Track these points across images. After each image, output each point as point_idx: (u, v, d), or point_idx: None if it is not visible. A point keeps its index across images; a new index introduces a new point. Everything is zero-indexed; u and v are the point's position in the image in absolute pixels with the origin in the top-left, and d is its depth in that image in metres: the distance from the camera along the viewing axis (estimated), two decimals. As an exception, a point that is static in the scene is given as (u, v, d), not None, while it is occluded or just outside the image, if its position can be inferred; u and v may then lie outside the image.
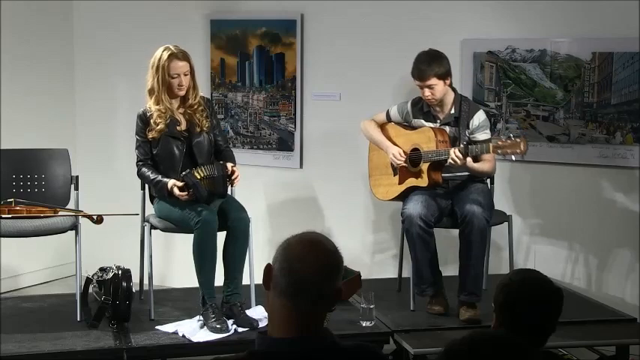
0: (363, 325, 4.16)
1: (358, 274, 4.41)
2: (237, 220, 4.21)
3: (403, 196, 4.53)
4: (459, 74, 4.95)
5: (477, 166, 4.31)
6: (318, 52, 5.49)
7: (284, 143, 5.62)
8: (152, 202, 4.45)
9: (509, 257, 4.66)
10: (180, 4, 5.75)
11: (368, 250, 5.47)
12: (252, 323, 4.10)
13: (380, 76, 5.32)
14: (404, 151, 4.48)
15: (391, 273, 5.09)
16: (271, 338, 2.01)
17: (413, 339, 4.01)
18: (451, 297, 4.35)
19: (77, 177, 4.65)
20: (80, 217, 4.32)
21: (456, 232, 4.41)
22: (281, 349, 1.99)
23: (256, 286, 4.29)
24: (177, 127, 4.29)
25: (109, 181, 5.95)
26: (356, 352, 2.07)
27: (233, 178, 4.27)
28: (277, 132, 5.62)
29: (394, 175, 4.59)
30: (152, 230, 4.35)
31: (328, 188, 5.55)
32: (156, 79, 4.25)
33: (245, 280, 4.30)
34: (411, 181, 4.47)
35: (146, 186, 4.47)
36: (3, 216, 4.20)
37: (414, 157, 4.45)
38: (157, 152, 4.29)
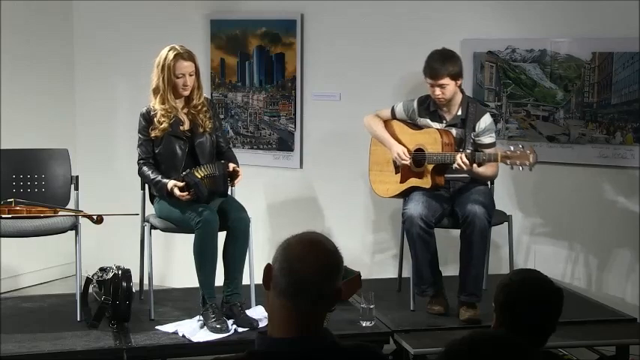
0: (363, 325, 4.16)
1: (358, 274, 4.41)
2: (237, 220, 4.21)
3: (403, 195, 4.53)
4: (459, 74, 4.95)
5: (480, 170, 4.31)
6: (318, 52, 5.49)
7: (284, 143, 5.62)
8: (152, 202, 4.45)
9: (509, 257, 4.66)
10: (180, 4, 5.75)
11: (368, 250, 5.47)
12: (252, 323, 4.10)
13: (380, 76, 5.32)
14: (408, 150, 4.48)
15: (391, 273, 5.09)
16: (271, 338, 2.01)
17: (413, 339, 4.01)
18: (451, 297, 4.35)
19: (77, 177, 4.65)
20: (80, 217, 4.32)
21: (455, 232, 4.42)
22: (281, 349, 1.99)
23: (256, 286, 4.29)
24: (181, 127, 4.29)
25: (109, 181, 5.95)
26: (356, 352, 2.07)
27: (235, 178, 4.27)
28: (277, 132, 5.62)
29: (395, 173, 4.58)
30: (152, 230, 4.35)
31: (328, 188, 5.55)
32: (161, 79, 4.25)
33: (245, 280, 4.30)
34: (413, 181, 4.46)
35: (146, 186, 4.47)
36: (3, 216, 4.20)
37: (418, 157, 4.44)
38: (159, 151, 4.29)
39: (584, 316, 4.33)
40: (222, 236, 4.23)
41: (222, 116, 5.62)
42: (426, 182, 4.40)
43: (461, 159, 4.20)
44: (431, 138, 4.40)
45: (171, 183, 4.18)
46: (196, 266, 4.15)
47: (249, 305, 4.32)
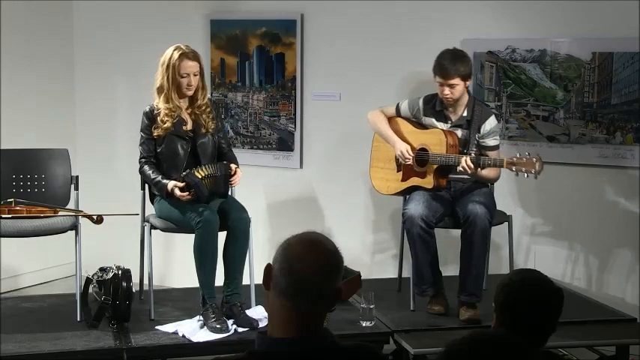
0: (363, 325, 4.16)
1: (358, 274, 4.41)
2: (237, 220, 4.21)
3: (403, 193, 4.53)
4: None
5: (484, 173, 4.30)
6: (318, 52, 5.49)
7: (284, 143, 5.62)
8: (152, 202, 4.45)
9: (509, 257, 4.66)
10: (180, 4, 5.75)
11: (368, 250, 5.47)
12: (252, 323, 4.10)
13: (380, 76, 5.32)
14: (412, 148, 4.46)
15: (391, 273, 5.09)
16: (271, 338, 2.01)
17: (413, 339, 4.01)
18: (451, 297, 4.35)
19: (77, 177, 4.65)
20: (80, 217, 4.32)
21: (456, 232, 4.42)
22: (281, 349, 1.99)
23: (256, 286, 4.29)
24: (183, 127, 4.29)
25: (109, 181, 5.95)
26: (356, 352, 2.07)
27: (233, 180, 4.26)
28: (277, 132, 5.62)
29: (397, 171, 4.57)
30: (152, 230, 4.35)
31: (328, 188, 5.55)
32: (165, 78, 4.24)
33: (245, 280, 4.30)
34: (415, 180, 4.46)
35: (146, 186, 4.47)
36: (3, 216, 4.20)
37: (422, 156, 4.43)
38: (161, 150, 4.29)
39: (584, 316, 4.33)
40: (222, 236, 4.23)
41: (222, 116, 5.62)
42: (428, 182, 4.40)
43: (466, 162, 4.20)
44: (436, 138, 4.39)
45: (171, 183, 4.17)
46: (196, 266, 4.15)
47: (249, 305, 4.32)
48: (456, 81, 4.29)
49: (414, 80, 5.15)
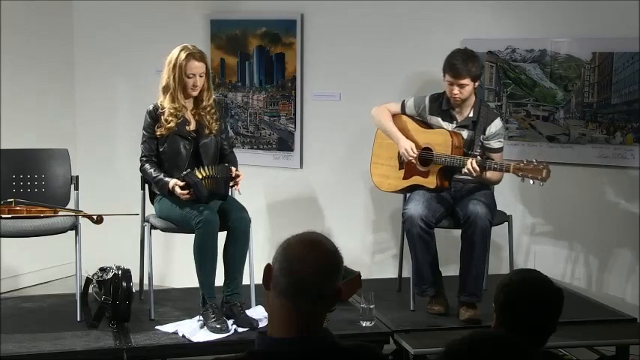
0: (363, 325, 4.16)
1: (358, 274, 4.41)
2: (237, 220, 4.21)
3: (404, 191, 4.52)
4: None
5: (488, 175, 4.30)
6: (318, 52, 5.49)
7: (284, 143, 5.62)
8: (152, 202, 4.45)
9: (509, 257, 4.66)
10: (180, 4, 5.75)
11: (368, 250, 5.47)
12: (252, 323, 4.10)
13: (380, 76, 5.32)
14: (417, 146, 4.45)
15: (391, 273, 5.09)
16: (271, 338, 2.01)
17: (413, 339, 4.01)
18: (451, 297, 4.35)
19: (77, 177, 4.65)
20: (80, 217, 4.32)
21: (456, 232, 4.42)
22: (281, 349, 1.99)
23: (256, 286, 4.29)
24: (187, 127, 4.29)
25: (109, 181, 5.95)
26: (356, 352, 2.07)
27: (233, 184, 4.26)
28: (277, 132, 5.62)
29: (399, 169, 4.56)
30: (152, 230, 4.34)
31: (328, 188, 5.55)
32: (172, 77, 4.24)
33: (245, 280, 4.30)
34: (417, 179, 4.45)
35: (146, 186, 4.47)
36: (3, 216, 4.20)
37: (425, 156, 4.42)
38: (164, 150, 4.29)
39: (584, 316, 4.33)
40: (222, 236, 4.23)
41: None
42: (430, 182, 4.39)
43: (471, 164, 4.19)
44: (441, 139, 4.38)
45: (172, 181, 4.17)
46: (196, 266, 4.15)
47: (249, 305, 4.32)
48: (466, 81, 4.28)
49: (414, 80, 5.15)
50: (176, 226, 4.28)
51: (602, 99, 4.84)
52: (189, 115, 4.31)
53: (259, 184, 5.59)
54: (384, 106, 4.61)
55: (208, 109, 4.32)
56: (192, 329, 4.06)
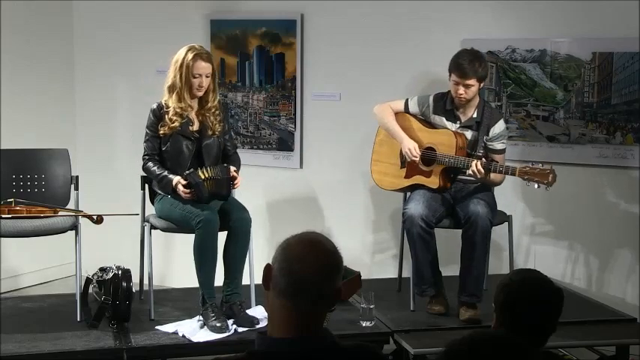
0: (363, 325, 4.16)
1: (358, 274, 4.41)
2: (238, 220, 4.21)
3: (405, 190, 4.52)
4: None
5: (491, 177, 4.29)
6: (318, 52, 5.49)
7: (284, 143, 5.62)
8: (152, 202, 4.45)
9: (509, 257, 4.66)
10: (180, 4, 5.75)
11: (368, 250, 5.47)
12: (252, 321, 4.10)
13: (380, 76, 5.32)
14: (420, 146, 4.44)
15: (391, 273, 5.09)
16: (271, 338, 2.01)
17: (413, 339, 4.01)
18: (451, 297, 4.35)
19: (77, 177, 4.65)
20: (80, 217, 4.32)
21: (456, 232, 4.41)
22: (281, 349, 1.99)
23: (256, 286, 4.30)
24: (190, 127, 4.29)
25: (109, 181, 5.95)
26: (356, 352, 2.07)
27: (234, 183, 4.26)
28: (277, 132, 5.62)
29: (401, 168, 4.55)
30: (152, 230, 4.35)
31: (328, 188, 5.54)
32: (178, 77, 4.23)
33: (245, 280, 4.30)
34: (419, 179, 4.44)
35: (146, 186, 4.47)
36: (3, 216, 4.20)
37: (428, 155, 4.42)
38: (167, 149, 4.29)
39: (584, 316, 4.33)
40: (222, 236, 4.23)
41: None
42: (433, 182, 4.38)
43: (476, 166, 4.18)
44: (445, 139, 4.37)
45: (176, 179, 4.18)
46: (196, 266, 4.15)
47: (249, 305, 4.32)
48: (472, 81, 4.27)
49: (414, 80, 5.15)
50: (176, 226, 4.28)
51: (602, 99, 4.84)
52: (193, 116, 4.31)
53: (259, 184, 5.59)
54: (387, 104, 4.60)
55: (213, 110, 4.32)
56: (192, 329, 4.06)
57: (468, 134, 4.41)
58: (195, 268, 4.16)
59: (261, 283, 2.06)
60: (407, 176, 4.52)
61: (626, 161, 4.80)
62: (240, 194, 4.52)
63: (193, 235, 4.14)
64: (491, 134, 4.40)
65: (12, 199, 4.32)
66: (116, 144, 6.08)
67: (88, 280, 4.24)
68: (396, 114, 4.57)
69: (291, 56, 5.53)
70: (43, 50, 5.92)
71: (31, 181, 4.63)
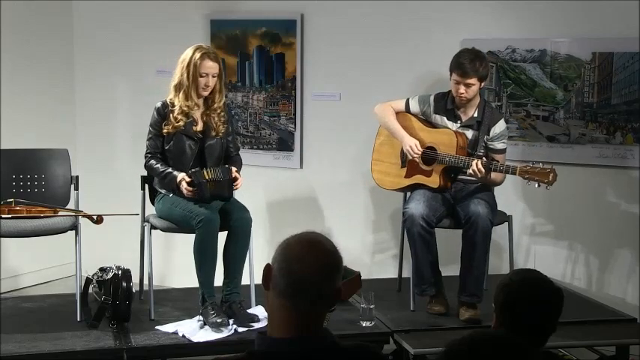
0: (363, 325, 4.16)
1: (358, 274, 4.41)
2: (239, 220, 4.21)
3: (405, 189, 4.52)
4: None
5: (492, 176, 4.29)
6: (318, 52, 5.49)
7: (284, 143, 5.62)
8: (152, 202, 4.45)
9: (509, 257, 4.66)
10: (180, 4, 5.75)
11: (368, 250, 5.47)
12: (252, 318, 4.11)
13: (380, 76, 5.32)
14: (421, 144, 4.44)
15: (391, 273, 5.09)
16: (271, 338, 2.01)
17: (413, 339, 4.01)
18: (451, 297, 4.35)
19: (77, 177, 4.65)
20: (80, 217, 4.32)
21: (456, 232, 4.41)
22: (281, 349, 1.98)
23: (256, 286, 4.30)
24: (194, 127, 4.29)
25: (109, 181, 5.95)
26: (356, 352, 2.07)
27: (235, 184, 4.26)
28: (277, 132, 5.62)
29: (402, 167, 4.55)
30: (152, 230, 4.34)
31: (328, 188, 5.55)
32: (185, 75, 4.23)
33: (245, 280, 4.30)
34: (420, 178, 4.44)
35: (146, 186, 4.47)
36: (3, 216, 4.20)
37: (429, 155, 4.42)
38: (169, 148, 4.29)
39: (584, 316, 4.32)
40: (222, 236, 4.23)
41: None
42: (433, 182, 4.39)
43: (476, 165, 4.19)
44: (445, 138, 4.38)
45: (180, 176, 4.18)
46: (196, 266, 4.15)
47: (249, 305, 4.32)
48: (473, 81, 4.27)
49: (414, 80, 5.15)
50: (176, 225, 4.28)
51: (602, 99, 4.84)
52: (197, 116, 4.31)
53: (259, 184, 5.59)
54: (388, 104, 4.60)
55: (218, 111, 4.32)
56: (192, 329, 4.06)
57: (469, 134, 4.41)
58: (196, 268, 4.16)
59: (261, 283, 2.06)
60: (407, 175, 4.52)
61: (626, 161, 4.80)
62: (240, 194, 4.52)
63: (193, 235, 4.14)
64: (491, 134, 4.40)
65: (12, 199, 4.32)
66: (116, 144, 6.07)
67: (88, 280, 4.24)
68: (397, 113, 4.57)
69: (291, 56, 5.53)
70: (43, 50, 5.92)
71: (31, 181, 4.63)
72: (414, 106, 4.54)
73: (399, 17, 5.26)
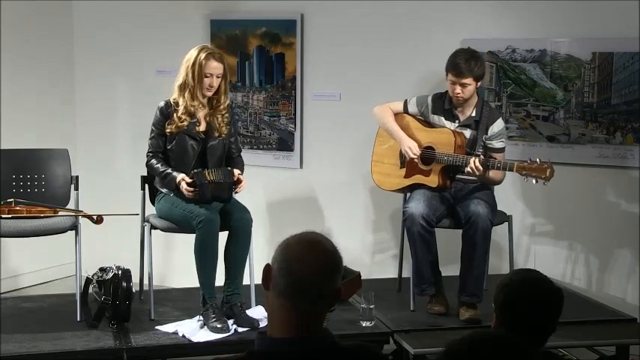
0: (363, 325, 4.16)
1: (358, 274, 4.41)
2: (239, 221, 4.21)
3: (405, 190, 4.52)
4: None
5: (490, 174, 4.29)
6: (318, 52, 5.49)
7: (284, 143, 5.62)
8: (152, 202, 4.45)
9: (509, 257, 4.66)
10: (180, 4, 5.75)
11: (368, 250, 5.47)
12: (252, 323, 4.10)
13: (380, 76, 5.32)
14: (419, 145, 4.44)
15: (391, 273, 5.09)
16: (271, 338, 2.01)
17: (413, 339, 4.01)
18: (451, 297, 4.35)
19: (77, 177, 4.65)
20: (80, 217, 4.32)
21: (456, 232, 4.41)
22: (281, 349, 1.98)
23: (256, 286, 4.30)
24: (197, 128, 4.29)
25: (109, 181, 5.95)
26: (356, 352, 2.07)
27: (238, 187, 4.26)
28: (277, 132, 5.62)
29: (401, 167, 4.56)
30: (152, 230, 4.34)
31: (328, 188, 5.54)
32: (190, 75, 4.22)
33: (245, 280, 4.30)
34: (419, 178, 4.45)
35: (146, 186, 4.47)
36: (3, 216, 4.20)
37: (427, 155, 4.42)
38: (172, 148, 4.28)
39: (584, 316, 4.32)
40: (222, 236, 4.23)
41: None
42: (432, 181, 4.39)
43: (474, 163, 4.19)
44: (444, 138, 4.38)
45: (180, 176, 4.18)
46: (197, 266, 4.15)
47: (249, 305, 4.32)
48: (469, 80, 4.28)
49: (414, 80, 5.15)
50: (177, 225, 4.28)
51: (602, 99, 4.84)
52: (200, 116, 4.31)
53: (259, 184, 5.59)
54: (387, 105, 4.61)
55: (223, 112, 4.32)
56: (193, 329, 4.06)
57: (467, 133, 4.41)
58: (196, 268, 4.16)
59: (261, 283, 2.06)
60: (407, 176, 4.52)
61: (626, 161, 4.80)
62: (240, 194, 4.51)
63: (194, 235, 4.14)
64: (490, 133, 4.40)
65: (12, 199, 4.32)
66: (116, 144, 6.07)
67: (88, 280, 4.24)
68: (396, 115, 4.58)
69: (291, 56, 5.53)
70: (43, 50, 5.92)
71: (31, 181, 4.63)
72: (412, 107, 4.55)
73: (399, 17, 5.26)
